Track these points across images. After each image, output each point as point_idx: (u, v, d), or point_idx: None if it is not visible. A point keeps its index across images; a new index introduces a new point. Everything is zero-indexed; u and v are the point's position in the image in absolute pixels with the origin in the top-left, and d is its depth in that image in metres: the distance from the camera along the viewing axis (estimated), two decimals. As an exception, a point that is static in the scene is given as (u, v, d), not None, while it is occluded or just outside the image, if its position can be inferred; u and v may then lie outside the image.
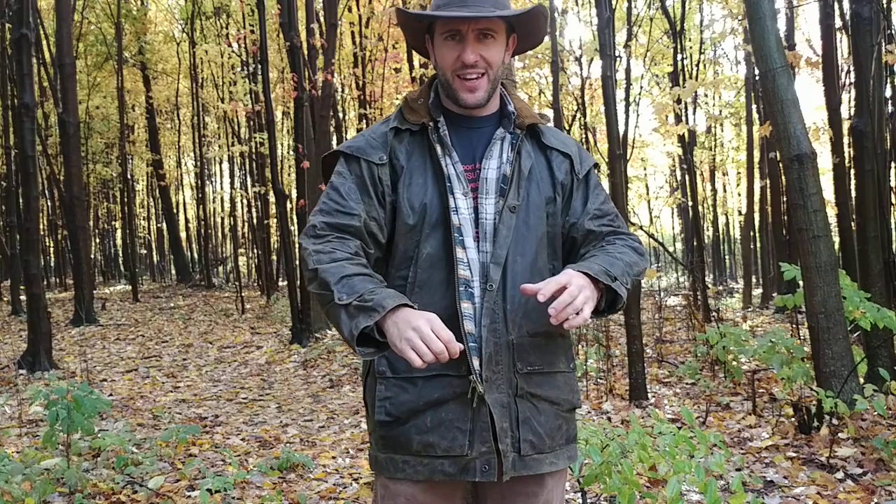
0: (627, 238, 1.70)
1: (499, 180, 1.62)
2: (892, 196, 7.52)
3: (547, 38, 11.43)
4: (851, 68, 7.42)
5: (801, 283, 4.82)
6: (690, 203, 13.00)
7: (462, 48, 1.58)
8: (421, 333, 1.38)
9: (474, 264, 1.58)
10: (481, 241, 1.59)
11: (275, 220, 17.26)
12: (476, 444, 1.55)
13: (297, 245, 1.56)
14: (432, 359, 1.37)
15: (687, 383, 6.44)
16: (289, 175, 19.12)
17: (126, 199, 20.59)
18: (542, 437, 1.60)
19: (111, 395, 6.88)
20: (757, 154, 14.41)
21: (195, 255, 25.64)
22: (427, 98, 1.67)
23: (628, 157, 13.46)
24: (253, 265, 23.79)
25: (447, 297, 1.56)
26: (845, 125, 8.35)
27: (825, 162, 9.14)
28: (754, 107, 14.19)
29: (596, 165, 1.78)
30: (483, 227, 1.59)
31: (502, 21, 1.60)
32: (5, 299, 15.73)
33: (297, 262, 10.71)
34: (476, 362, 1.54)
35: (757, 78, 7.46)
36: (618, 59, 12.71)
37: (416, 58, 13.27)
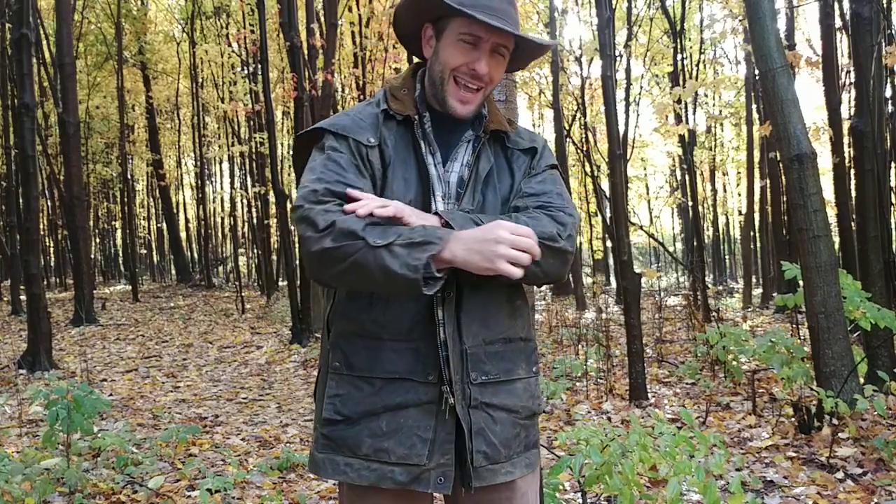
0: (554, 210, 1.55)
1: (457, 184, 1.57)
2: (892, 196, 7.52)
3: (547, 38, 11.44)
4: (851, 68, 7.42)
5: (801, 282, 4.82)
6: (690, 203, 13.00)
7: (477, 57, 1.51)
8: (510, 241, 1.35)
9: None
10: None
11: (275, 220, 17.26)
12: (435, 455, 1.49)
13: (292, 210, 1.43)
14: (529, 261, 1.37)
15: (687, 383, 6.44)
16: (289, 175, 19.12)
17: (126, 199, 20.59)
18: (496, 448, 1.53)
19: (111, 395, 6.88)
20: (757, 154, 14.42)
21: (195, 255, 25.65)
22: (413, 90, 1.60)
23: (628, 157, 13.47)
24: (253, 265, 23.81)
25: (423, 300, 1.48)
26: (845, 125, 8.35)
27: (825, 162, 9.15)
28: (754, 107, 14.20)
29: (555, 166, 1.67)
30: None
31: (514, 41, 1.55)
32: (5, 299, 15.73)
33: (298, 262, 10.71)
34: (446, 372, 1.48)
35: (757, 78, 7.46)
36: (618, 59, 12.72)
37: (416, 58, 13.25)
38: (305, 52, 10.42)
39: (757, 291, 15.01)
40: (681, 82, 12.18)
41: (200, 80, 19.85)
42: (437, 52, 1.56)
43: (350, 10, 12.88)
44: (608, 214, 12.07)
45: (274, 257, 20.84)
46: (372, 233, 1.37)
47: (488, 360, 1.54)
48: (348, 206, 1.41)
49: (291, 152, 1.63)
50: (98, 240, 27.51)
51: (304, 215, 1.44)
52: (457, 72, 1.53)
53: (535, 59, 1.64)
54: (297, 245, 12.98)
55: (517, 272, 1.36)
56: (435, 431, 1.49)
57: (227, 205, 24.18)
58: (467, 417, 1.51)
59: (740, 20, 12.64)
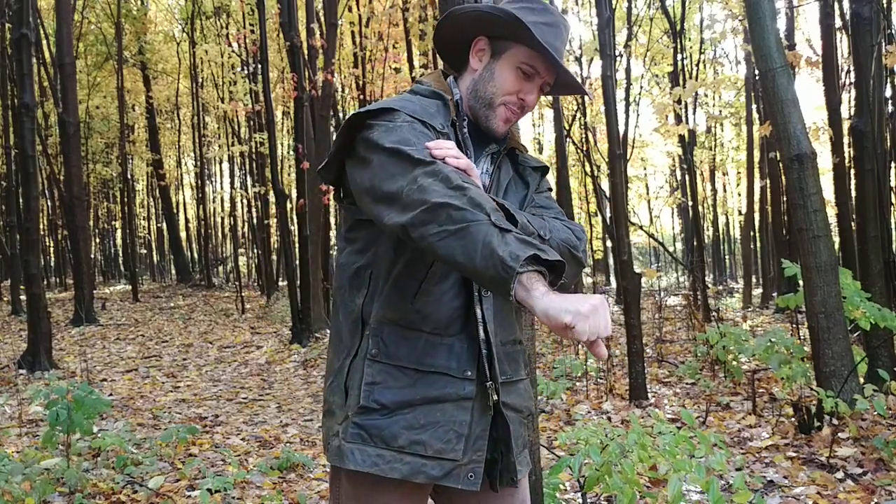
0: (570, 225, 1.66)
1: None
2: (892, 196, 7.52)
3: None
4: (851, 68, 7.42)
5: (801, 282, 4.82)
6: (690, 203, 13.00)
7: (530, 88, 1.58)
8: (601, 313, 1.22)
9: None
10: None
11: (275, 220, 17.26)
12: (469, 451, 1.52)
13: (417, 164, 1.39)
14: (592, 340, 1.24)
15: (687, 383, 6.44)
16: (289, 175, 19.12)
17: (126, 199, 20.59)
18: (514, 446, 1.60)
19: (111, 395, 6.88)
20: (757, 154, 14.42)
21: (195, 255, 25.66)
22: (453, 96, 1.64)
23: (628, 157, 13.47)
24: (253, 265, 23.81)
25: (462, 296, 1.52)
26: (845, 125, 8.35)
27: (825, 162, 9.15)
28: (754, 107, 14.20)
29: (550, 189, 1.80)
30: None
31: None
32: (5, 299, 15.73)
33: (298, 262, 10.69)
34: (489, 369, 1.53)
35: (757, 78, 7.47)
36: (618, 59, 12.72)
37: (416, 58, 13.26)
38: (305, 52, 10.42)
39: (757, 291, 15.01)
40: (681, 82, 12.18)
41: (200, 80, 19.85)
42: (492, 71, 1.59)
43: (350, 10, 12.88)
44: (608, 214, 12.07)
45: (274, 257, 20.84)
46: (496, 214, 1.32)
47: (505, 360, 1.59)
48: (430, 143, 1.42)
49: (342, 126, 1.57)
50: (98, 240, 27.51)
51: (437, 169, 1.37)
52: (507, 96, 1.58)
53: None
54: (295, 245, 12.97)
55: (583, 337, 1.23)
56: (470, 427, 1.51)
57: (227, 205, 24.18)
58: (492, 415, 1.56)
59: (740, 20, 12.64)
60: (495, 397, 1.52)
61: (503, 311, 1.58)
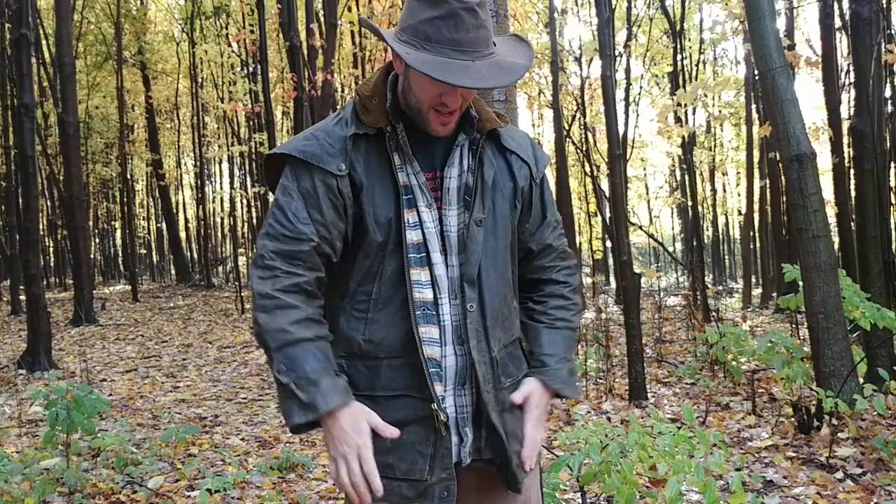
0: (566, 269, 1.70)
1: (461, 190, 1.53)
2: (892, 196, 7.52)
3: (547, 38, 11.44)
4: (851, 68, 7.42)
5: (800, 283, 4.82)
6: (690, 203, 13.00)
7: (447, 90, 1.43)
8: (347, 462, 1.42)
9: (442, 280, 1.51)
10: (448, 255, 1.52)
11: (274, 220, 17.20)
12: (436, 470, 1.51)
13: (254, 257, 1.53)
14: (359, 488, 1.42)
15: (687, 383, 6.44)
16: (288, 175, 19.07)
17: (126, 199, 20.61)
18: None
19: (111, 395, 6.88)
20: (757, 154, 14.41)
21: (195, 255, 25.64)
22: (384, 99, 1.52)
23: (628, 157, 13.47)
24: (253, 265, 23.76)
25: (408, 319, 1.49)
26: (845, 125, 8.35)
27: (825, 162, 9.14)
28: (754, 107, 14.19)
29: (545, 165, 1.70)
30: (448, 239, 1.52)
31: None
32: (5, 299, 15.72)
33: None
34: (439, 388, 1.50)
35: (757, 78, 7.47)
36: (617, 59, 12.72)
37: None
38: (305, 52, 10.41)
39: (756, 291, 15.00)
40: (680, 82, 12.18)
41: (200, 80, 19.85)
42: (409, 80, 1.48)
43: (350, 10, 12.88)
44: (608, 214, 12.07)
45: (274, 257, 20.78)
46: (281, 359, 1.42)
47: (511, 363, 1.60)
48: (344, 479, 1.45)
49: (264, 169, 1.61)
50: (98, 240, 27.51)
51: (251, 286, 1.47)
52: (430, 102, 1.46)
53: None
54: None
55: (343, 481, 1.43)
56: (434, 446, 1.51)
57: (226, 205, 24.17)
58: (503, 422, 1.55)
59: (741, 21, 12.63)
60: (443, 418, 1.49)
61: (503, 312, 1.57)
